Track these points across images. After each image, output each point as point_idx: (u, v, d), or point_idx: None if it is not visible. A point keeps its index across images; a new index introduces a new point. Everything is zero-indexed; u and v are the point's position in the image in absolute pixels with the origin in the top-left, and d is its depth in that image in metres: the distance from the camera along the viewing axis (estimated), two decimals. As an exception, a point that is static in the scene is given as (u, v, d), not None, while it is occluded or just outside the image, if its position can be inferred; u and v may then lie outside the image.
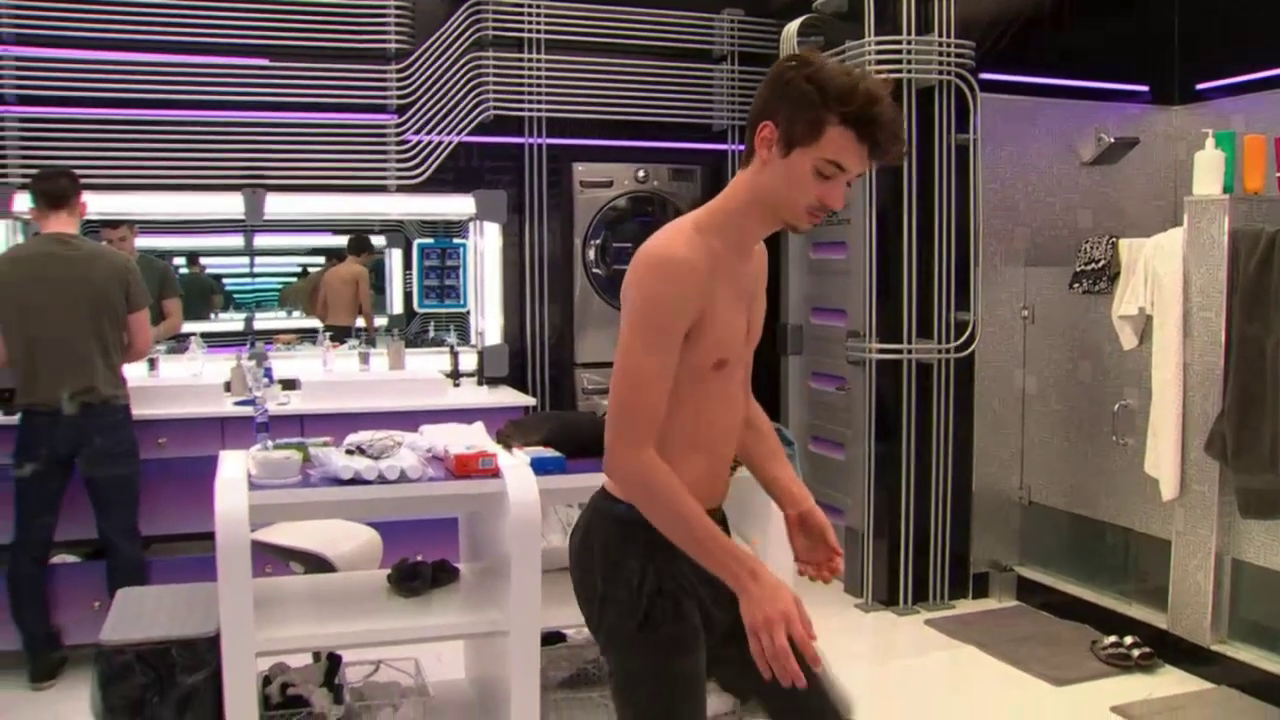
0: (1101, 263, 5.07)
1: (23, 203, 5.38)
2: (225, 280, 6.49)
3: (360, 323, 6.49)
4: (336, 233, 6.48)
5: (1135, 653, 4.80)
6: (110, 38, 5.57)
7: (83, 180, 5.31)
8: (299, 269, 6.67)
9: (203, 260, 6.37)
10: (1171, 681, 4.69)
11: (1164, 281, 4.71)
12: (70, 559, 5.04)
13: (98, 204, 4.97)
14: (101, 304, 4.66)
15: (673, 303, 2.13)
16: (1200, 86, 5.83)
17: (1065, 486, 5.47)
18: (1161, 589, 4.86)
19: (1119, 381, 5.11)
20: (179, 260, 6.23)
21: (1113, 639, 4.92)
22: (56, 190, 4.72)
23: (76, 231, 4.73)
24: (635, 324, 2.15)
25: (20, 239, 5.40)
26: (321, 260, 6.60)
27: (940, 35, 5.48)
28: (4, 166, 5.46)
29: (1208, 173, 4.62)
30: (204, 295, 6.29)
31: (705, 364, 2.22)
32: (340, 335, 6.28)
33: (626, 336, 2.16)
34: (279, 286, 6.61)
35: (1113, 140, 5.59)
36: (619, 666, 2.30)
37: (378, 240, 6.54)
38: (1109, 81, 5.92)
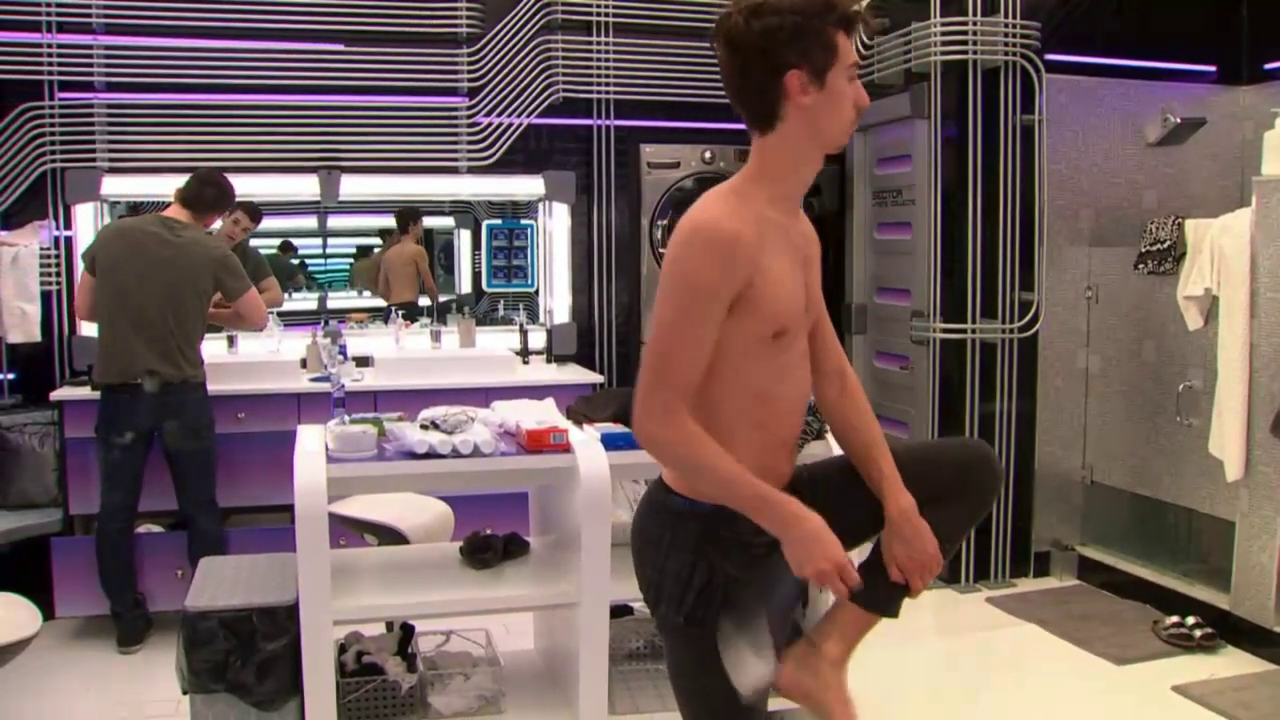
0: (1167, 243, 5.05)
1: (110, 186, 5.55)
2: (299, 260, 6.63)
3: (425, 300, 6.59)
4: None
5: (1197, 633, 4.80)
6: (193, 25, 5.71)
7: (166, 163, 5.51)
8: (357, 249, 6.77)
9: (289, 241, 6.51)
10: (1233, 662, 4.68)
11: (1230, 262, 4.68)
12: (154, 529, 5.20)
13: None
14: (190, 290, 4.79)
15: (711, 272, 2.05)
16: (1268, 66, 5.77)
17: (1128, 466, 5.47)
18: (1224, 570, 4.85)
19: (1183, 362, 5.10)
20: (272, 243, 6.37)
21: (1174, 619, 4.92)
22: (190, 193, 4.90)
23: (186, 221, 4.87)
24: (671, 294, 2.08)
25: (108, 221, 5.57)
26: (379, 240, 6.71)
27: (1006, 16, 5.47)
28: (93, 151, 5.62)
29: (1277, 152, 4.59)
30: (287, 277, 6.42)
31: (764, 334, 2.13)
32: (409, 314, 6.39)
33: (664, 307, 2.10)
34: (351, 266, 6.73)
35: (1179, 120, 5.54)
36: (671, 654, 2.32)
37: (446, 221, 6.64)
38: (1175, 62, 5.87)
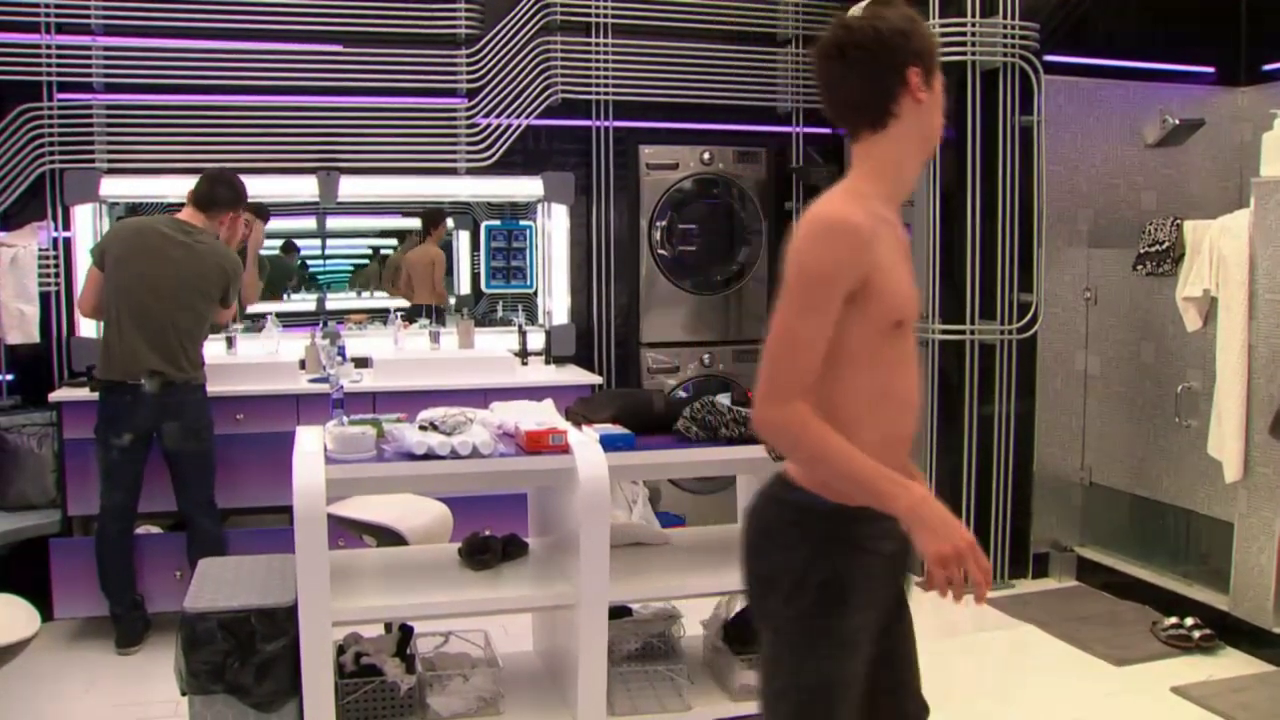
0: (1166, 244, 5.05)
1: (109, 187, 5.55)
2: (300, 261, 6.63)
3: (450, 302, 6.61)
4: (406, 214, 6.59)
5: (1196, 634, 4.81)
6: (191, 26, 5.70)
7: (165, 165, 5.51)
8: (369, 250, 6.78)
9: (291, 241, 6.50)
10: (1232, 663, 4.69)
11: (1229, 263, 4.68)
12: (154, 530, 5.20)
13: (180, 187, 5.10)
14: (200, 294, 4.81)
15: (833, 262, 2.13)
16: (1267, 67, 5.78)
17: (1127, 467, 5.47)
18: (1223, 571, 4.86)
19: (1182, 363, 5.10)
20: (274, 243, 6.35)
21: (1173, 620, 4.92)
22: (202, 194, 4.90)
23: (202, 226, 4.87)
24: (794, 286, 2.15)
25: (107, 223, 5.57)
26: (393, 242, 6.71)
27: (1005, 17, 5.47)
28: (91, 152, 5.62)
29: (1276, 153, 4.59)
30: (286, 278, 6.42)
31: (884, 325, 2.20)
32: (412, 315, 6.40)
33: (784, 298, 2.16)
34: (350, 268, 6.73)
35: (1178, 122, 5.55)
36: (770, 648, 2.33)
37: (446, 222, 6.64)
38: (1173, 63, 5.88)
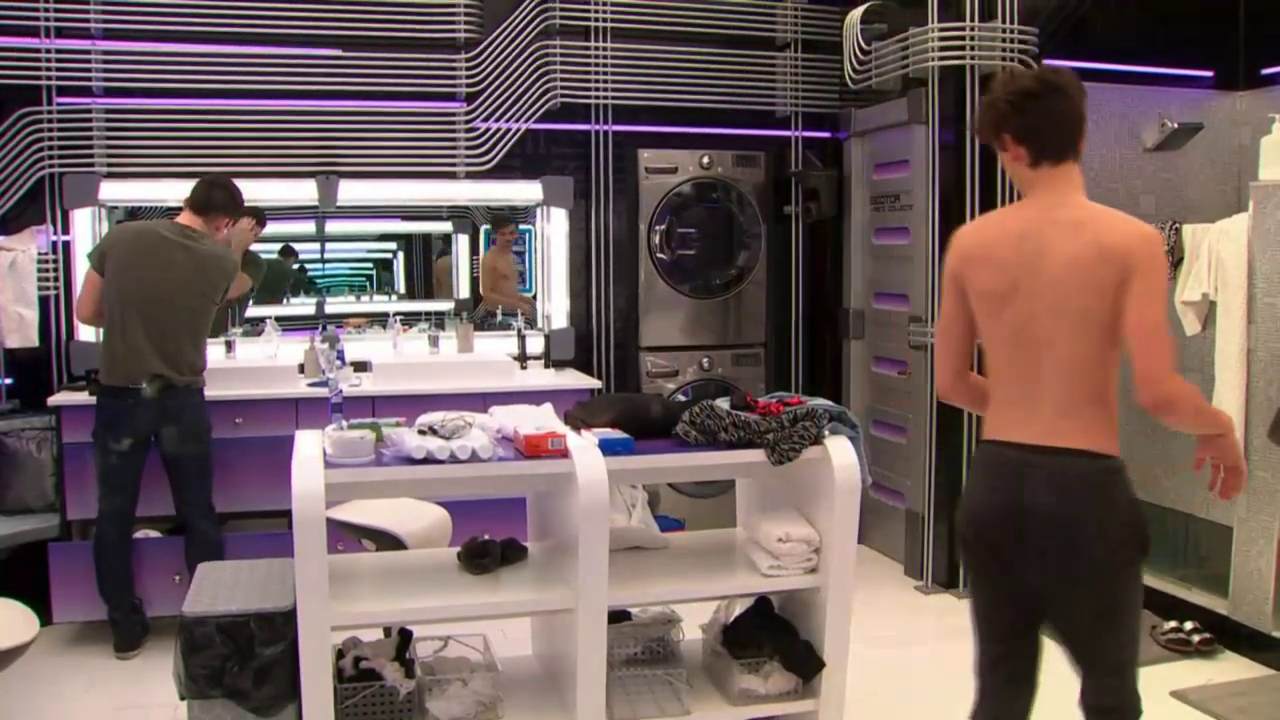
0: (1165, 248, 5.05)
1: (109, 191, 5.56)
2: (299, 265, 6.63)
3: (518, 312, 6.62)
4: (406, 218, 6.59)
5: (1195, 638, 4.81)
6: (191, 30, 5.71)
7: (164, 169, 5.51)
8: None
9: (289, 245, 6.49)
10: (1231, 667, 4.69)
11: (1228, 267, 4.69)
12: (152, 534, 5.20)
13: (180, 191, 5.10)
14: (202, 298, 4.82)
15: None
16: (1265, 71, 5.78)
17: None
18: (1222, 575, 4.86)
19: (1181, 367, 5.08)
20: (272, 247, 6.35)
21: (1172, 624, 4.92)
22: (199, 198, 4.91)
23: (201, 230, 4.88)
24: (1160, 285, 2.63)
25: (106, 226, 5.57)
26: (392, 246, 6.71)
27: (1003, 21, 5.48)
28: (90, 156, 5.62)
29: (1274, 157, 4.60)
30: (282, 282, 6.42)
31: None
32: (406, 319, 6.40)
33: (1156, 295, 2.62)
34: (349, 271, 6.73)
35: (1176, 126, 5.55)
36: (1123, 591, 2.73)
37: (445, 226, 6.64)
38: (1172, 67, 5.89)
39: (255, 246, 6.03)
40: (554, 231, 6.35)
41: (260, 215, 5.78)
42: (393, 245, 6.72)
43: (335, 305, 6.52)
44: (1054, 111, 2.75)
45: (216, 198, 4.92)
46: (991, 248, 2.79)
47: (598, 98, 6.39)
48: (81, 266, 5.50)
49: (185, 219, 4.87)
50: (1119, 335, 2.67)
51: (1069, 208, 2.73)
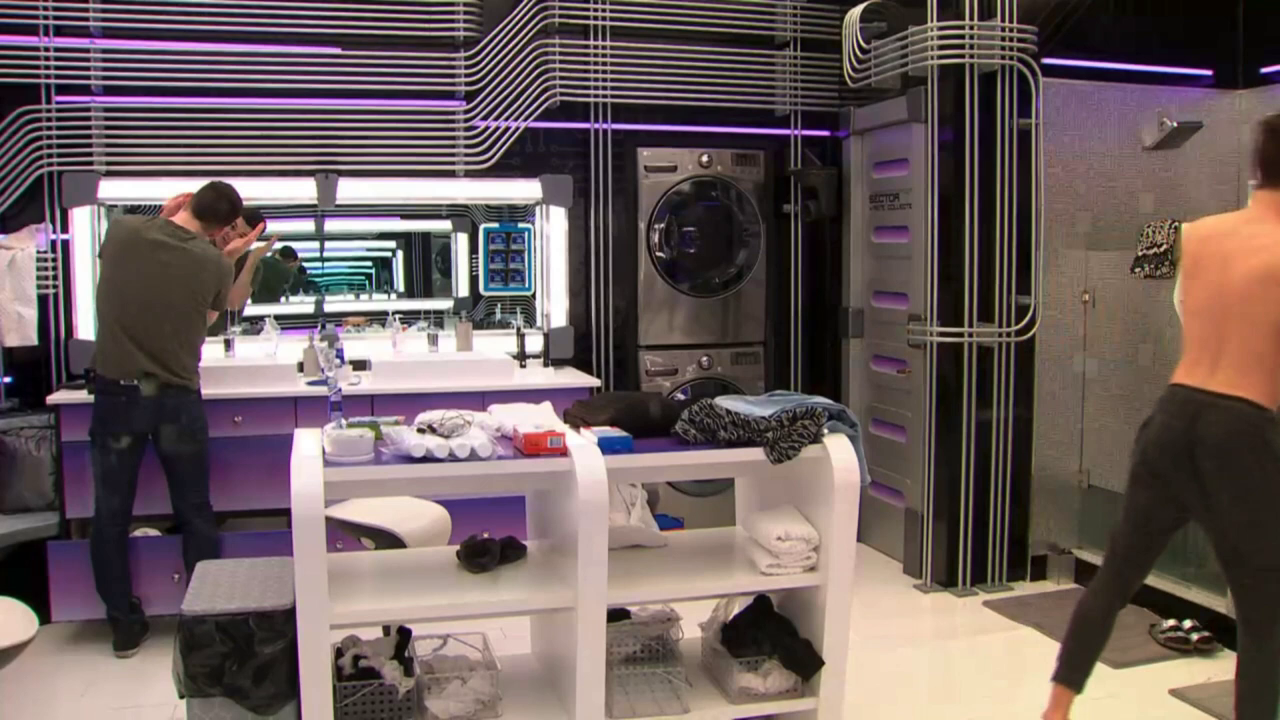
0: (1164, 247, 5.06)
1: (108, 189, 5.56)
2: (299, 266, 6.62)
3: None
4: (405, 217, 6.59)
5: (1194, 636, 4.81)
6: (190, 29, 5.70)
7: (163, 167, 5.51)
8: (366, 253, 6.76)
9: (281, 244, 6.44)
10: (1230, 666, 4.64)
11: (1227, 266, 4.69)
12: (151, 533, 5.20)
13: (179, 190, 5.09)
14: (191, 299, 4.80)
15: None
16: (1264, 70, 5.79)
17: (1125, 470, 5.42)
18: (1220, 574, 4.84)
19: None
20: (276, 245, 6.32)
21: (1171, 622, 4.92)
22: (204, 204, 4.92)
23: (195, 231, 4.88)
24: None
25: (104, 225, 5.57)
26: (392, 245, 6.71)
27: (1003, 20, 5.47)
28: (89, 155, 5.62)
29: (1272, 157, 4.59)
30: (281, 281, 6.42)
31: None
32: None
33: None
34: (349, 270, 6.72)
35: (1175, 124, 5.56)
36: (1261, 505, 3.37)
37: (444, 225, 6.63)
38: (1172, 66, 5.90)
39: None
40: (553, 230, 6.35)
41: (257, 217, 5.75)
42: (392, 244, 6.72)
43: (334, 304, 6.51)
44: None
45: (222, 209, 4.94)
46: (1205, 241, 3.55)
47: (597, 96, 6.39)
48: (80, 265, 5.51)
49: (182, 219, 4.87)
50: None
51: (1261, 222, 3.45)
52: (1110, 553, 3.84)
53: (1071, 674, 3.79)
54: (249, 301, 5.91)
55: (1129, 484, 3.76)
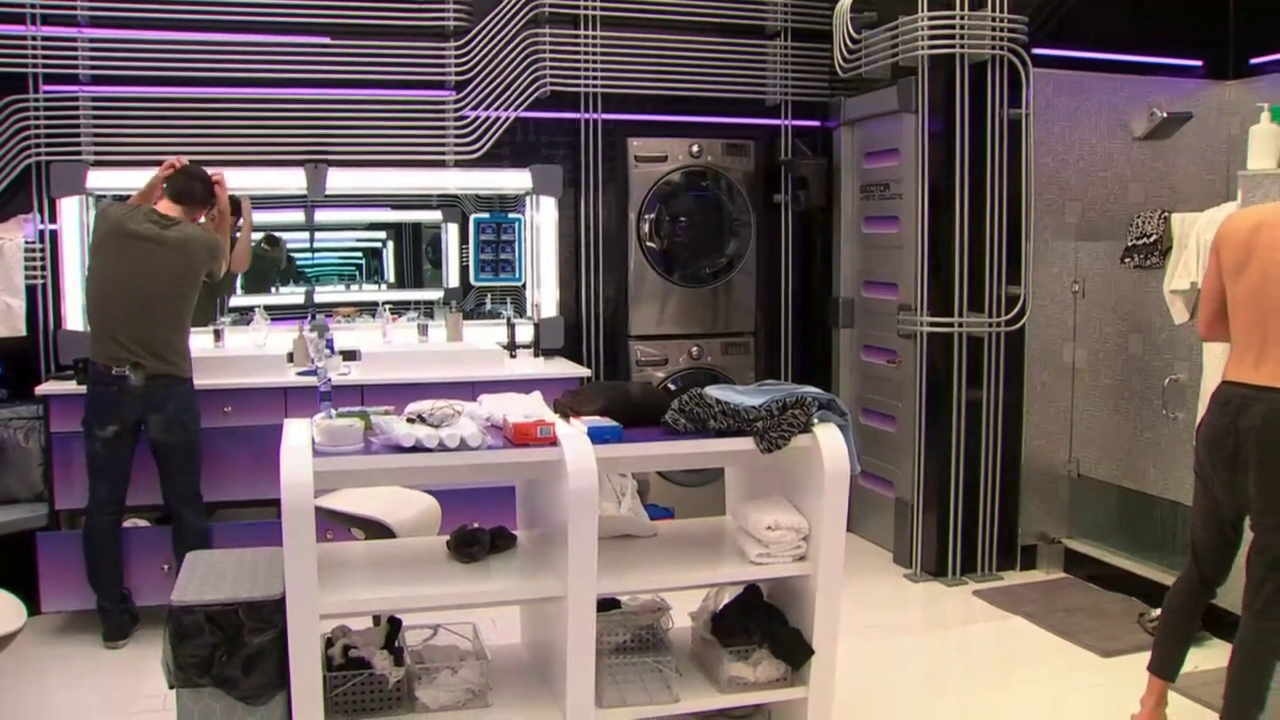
0: (1153, 237, 5.07)
1: (96, 179, 5.54)
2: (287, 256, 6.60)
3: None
4: (396, 207, 6.58)
5: (1183, 625, 4.82)
6: (178, 18, 5.69)
7: (151, 157, 5.48)
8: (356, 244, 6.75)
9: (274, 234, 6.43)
10: (1218, 654, 4.68)
11: (1216, 256, 4.71)
12: (141, 523, 5.20)
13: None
14: (178, 285, 4.80)
15: None
16: (1255, 61, 5.80)
17: (1114, 460, 5.49)
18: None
19: (1169, 356, 5.12)
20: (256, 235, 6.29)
21: (1159, 611, 4.93)
22: (179, 188, 4.92)
23: (177, 217, 4.87)
24: None
25: (92, 215, 5.55)
26: (382, 235, 6.70)
27: (993, 10, 5.48)
28: (78, 144, 5.60)
29: (1262, 146, 4.59)
30: (270, 267, 6.40)
31: None
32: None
33: None
34: (339, 260, 6.70)
35: (1165, 115, 5.57)
36: None
37: (434, 215, 6.61)
38: (1162, 56, 5.91)
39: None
40: (543, 220, 6.34)
41: (235, 202, 5.73)
42: (382, 234, 6.70)
43: (324, 294, 6.49)
44: None
45: (197, 190, 4.94)
46: (1238, 232, 3.59)
47: (587, 86, 6.38)
48: (68, 255, 5.50)
49: (163, 206, 4.86)
50: None
51: None
52: (1191, 549, 3.94)
53: (1164, 667, 3.98)
54: (239, 288, 5.88)
55: (1195, 483, 3.85)
